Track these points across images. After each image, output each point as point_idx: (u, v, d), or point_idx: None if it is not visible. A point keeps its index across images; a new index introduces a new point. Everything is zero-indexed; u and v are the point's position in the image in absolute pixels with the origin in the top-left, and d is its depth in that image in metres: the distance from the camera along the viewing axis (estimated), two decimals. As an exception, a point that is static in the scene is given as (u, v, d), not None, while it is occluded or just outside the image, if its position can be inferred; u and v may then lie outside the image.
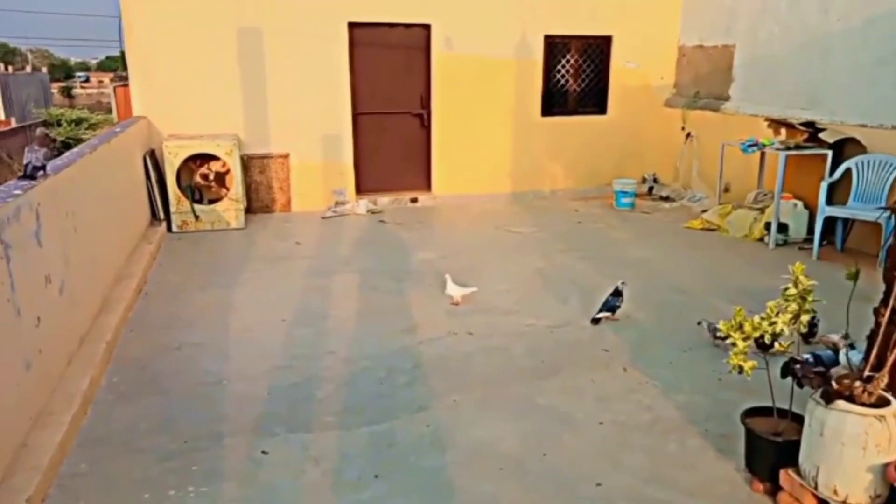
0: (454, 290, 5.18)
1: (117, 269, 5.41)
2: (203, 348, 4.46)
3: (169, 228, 7.19)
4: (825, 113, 7.13)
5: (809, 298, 2.63)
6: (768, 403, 3.10)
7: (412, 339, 4.59)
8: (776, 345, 2.77)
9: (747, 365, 2.80)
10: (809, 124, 7.04)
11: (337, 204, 8.43)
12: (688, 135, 9.10)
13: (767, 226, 7.01)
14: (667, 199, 9.22)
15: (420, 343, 4.54)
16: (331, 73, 8.09)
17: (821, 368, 2.76)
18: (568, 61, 9.04)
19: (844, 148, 6.81)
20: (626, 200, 8.68)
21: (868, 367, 2.54)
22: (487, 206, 8.74)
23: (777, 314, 2.67)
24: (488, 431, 3.46)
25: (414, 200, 8.81)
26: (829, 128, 6.94)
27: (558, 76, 9.05)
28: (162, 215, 7.13)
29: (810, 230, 6.95)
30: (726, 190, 8.19)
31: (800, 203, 6.99)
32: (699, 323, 4.51)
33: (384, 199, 8.67)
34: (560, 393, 3.86)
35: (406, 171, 8.83)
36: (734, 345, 2.83)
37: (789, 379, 2.80)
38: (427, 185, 8.93)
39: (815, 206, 6.98)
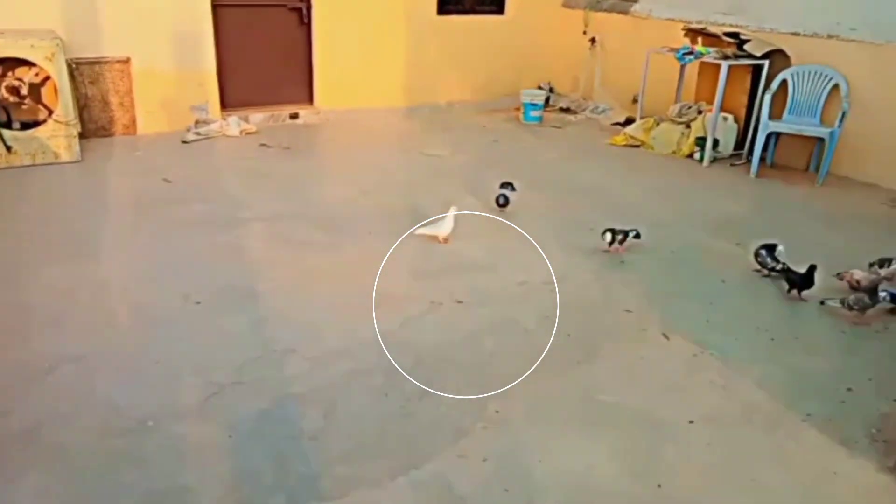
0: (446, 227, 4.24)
1: None
2: (91, 363, 2.99)
3: (-33, 167, 5.09)
4: (751, 20, 6.71)
5: None
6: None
7: (390, 320, 3.46)
8: None
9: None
10: (734, 35, 6.60)
11: (198, 123, 6.65)
12: (591, 40, 8.38)
13: (697, 141, 6.61)
14: (567, 110, 8.54)
15: (402, 325, 3.44)
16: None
17: None
18: (466, -52, 7.76)
19: (770, 60, 6.49)
20: (534, 114, 7.85)
21: None
22: (382, 123, 7.46)
23: None
24: (567, 457, 2.57)
25: (294, 116, 7.25)
26: (753, 38, 6.55)
27: (455, -34, 7.76)
28: (-46, 149, 5.00)
29: (737, 146, 6.69)
30: (634, 101, 7.68)
31: (730, 117, 6.64)
32: (822, 303, 3.71)
33: (258, 116, 7.01)
34: (616, 382, 3.05)
35: (283, 81, 7.18)
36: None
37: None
38: (308, 98, 7.38)
39: (741, 119, 6.72)
